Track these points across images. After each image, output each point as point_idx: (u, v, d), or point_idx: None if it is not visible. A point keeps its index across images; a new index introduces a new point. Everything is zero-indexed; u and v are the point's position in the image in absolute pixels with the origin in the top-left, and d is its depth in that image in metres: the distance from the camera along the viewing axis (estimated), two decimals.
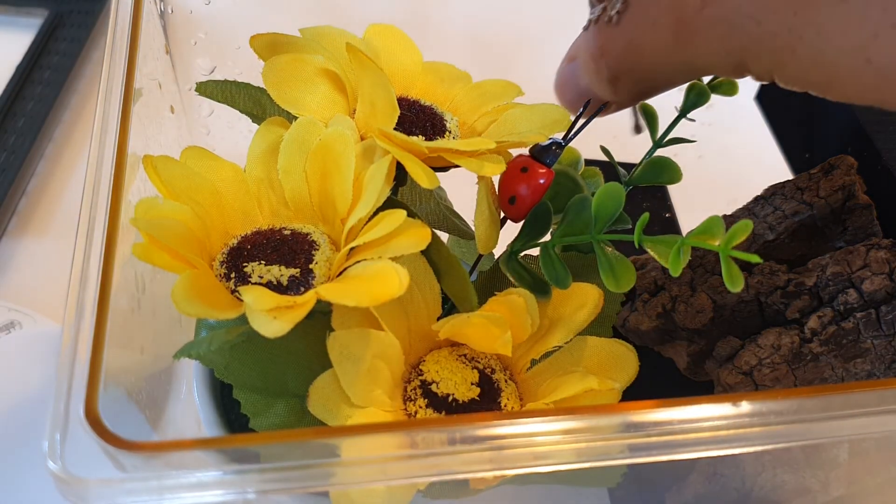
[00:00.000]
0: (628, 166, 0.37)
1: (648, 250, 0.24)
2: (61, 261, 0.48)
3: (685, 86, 0.31)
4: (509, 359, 0.28)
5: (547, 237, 0.28)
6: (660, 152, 0.31)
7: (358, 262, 0.26)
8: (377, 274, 0.24)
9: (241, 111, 0.32)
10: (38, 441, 0.38)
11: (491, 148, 0.26)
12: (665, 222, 0.43)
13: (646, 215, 0.25)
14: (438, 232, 0.31)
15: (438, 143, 0.27)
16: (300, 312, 0.23)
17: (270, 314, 0.23)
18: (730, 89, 0.31)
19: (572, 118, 0.29)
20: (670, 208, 0.43)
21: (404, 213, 0.25)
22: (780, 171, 0.47)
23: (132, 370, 0.25)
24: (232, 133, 0.39)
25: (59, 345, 0.42)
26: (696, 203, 0.43)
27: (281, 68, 0.28)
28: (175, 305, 0.23)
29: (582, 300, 0.27)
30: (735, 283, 0.23)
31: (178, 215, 0.26)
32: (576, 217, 0.27)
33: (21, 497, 0.38)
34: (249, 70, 0.33)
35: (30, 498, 0.38)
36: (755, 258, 0.22)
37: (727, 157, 0.45)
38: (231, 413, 0.31)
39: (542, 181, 0.28)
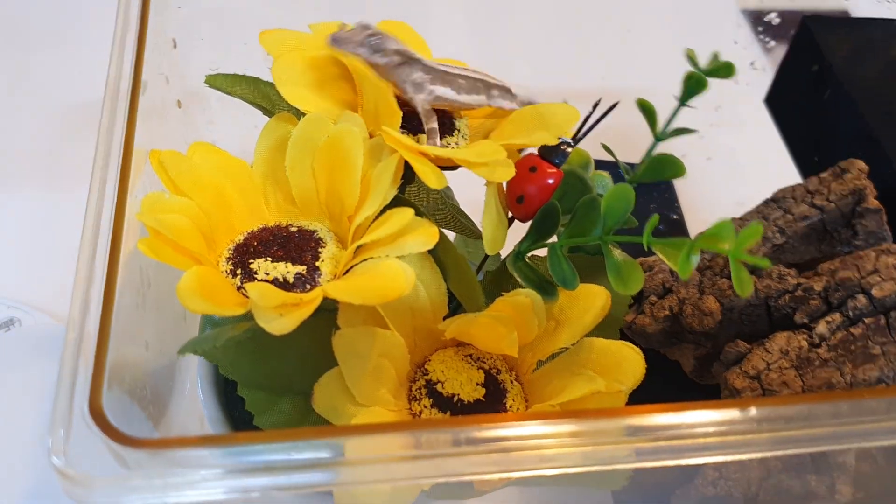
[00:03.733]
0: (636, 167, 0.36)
1: (657, 253, 0.24)
2: (60, 257, 0.48)
3: (684, 75, 0.31)
4: (515, 359, 0.28)
5: (554, 238, 0.28)
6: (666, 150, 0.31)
7: (365, 260, 0.26)
8: (384, 272, 0.24)
9: (250, 105, 0.32)
10: (38, 438, 0.38)
11: (501, 158, 0.26)
12: (673, 223, 0.43)
13: (655, 217, 0.25)
14: (444, 231, 0.31)
15: (447, 152, 0.27)
16: (306, 310, 0.23)
17: (276, 311, 0.23)
18: (727, 71, 0.30)
19: (582, 117, 0.29)
20: (678, 209, 0.43)
21: (412, 211, 0.25)
22: (788, 173, 0.47)
23: (136, 366, 0.25)
24: (238, 128, 0.39)
25: (59, 341, 0.42)
26: (703, 204, 0.43)
27: (290, 65, 0.28)
28: (181, 301, 0.22)
29: (589, 302, 0.27)
30: (744, 287, 0.22)
31: (185, 211, 0.26)
32: (584, 218, 0.27)
33: (21, 494, 0.38)
34: (257, 66, 0.33)
35: (30, 494, 0.38)
36: (765, 262, 0.22)
37: (735, 159, 0.45)
38: (235, 410, 0.31)
39: (550, 181, 0.28)
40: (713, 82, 0.32)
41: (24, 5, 0.58)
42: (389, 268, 0.24)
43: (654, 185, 0.32)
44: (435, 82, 0.28)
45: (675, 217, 0.42)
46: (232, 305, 0.23)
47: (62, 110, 0.55)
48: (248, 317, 0.24)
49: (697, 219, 0.43)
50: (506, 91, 0.31)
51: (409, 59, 0.28)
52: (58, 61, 0.56)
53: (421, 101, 0.28)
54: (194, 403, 0.30)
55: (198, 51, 0.35)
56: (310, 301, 0.23)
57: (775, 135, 0.42)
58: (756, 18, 0.43)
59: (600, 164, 0.33)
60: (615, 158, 0.30)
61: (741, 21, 0.44)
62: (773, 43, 0.39)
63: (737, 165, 0.44)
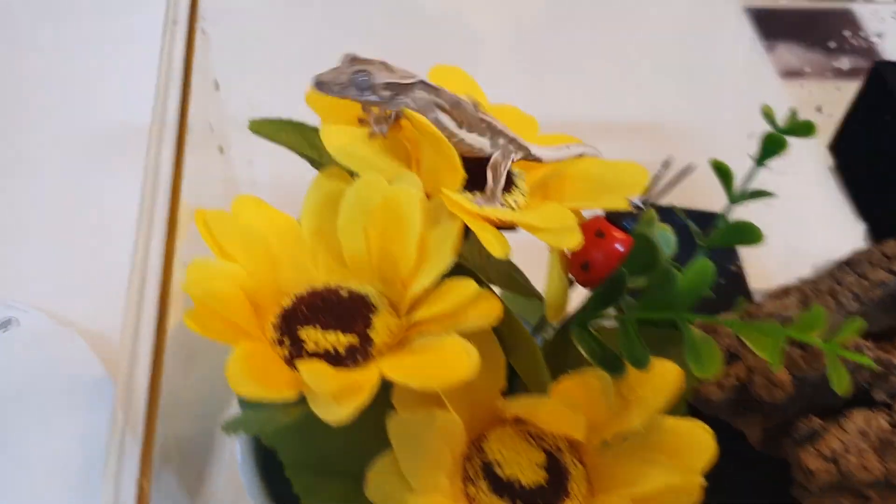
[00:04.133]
0: (696, 214, 0.35)
1: (744, 340, 0.22)
2: (59, 256, 0.47)
3: (762, 134, 0.29)
4: (578, 439, 0.26)
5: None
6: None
7: (421, 333, 0.24)
8: (445, 353, 0.23)
9: (296, 153, 0.30)
10: (37, 440, 0.37)
11: (570, 224, 0.24)
12: (732, 276, 0.41)
13: (741, 300, 0.23)
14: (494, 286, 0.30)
15: (512, 215, 0.25)
16: (364, 396, 0.21)
17: (332, 397, 0.21)
18: (806, 131, 0.29)
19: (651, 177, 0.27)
20: (737, 260, 0.41)
21: (474, 283, 0.24)
22: (850, 223, 0.45)
23: (180, 441, 0.23)
24: (278, 167, 0.37)
25: (57, 341, 0.41)
26: (763, 254, 0.41)
27: (340, 130, 0.26)
28: (231, 386, 0.21)
29: (661, 380, 0.25)
30: (842, 384, 0.21)
31: (232, 277, 0.25)
32: (658, 291, 0.25)
33: (15, 494, 0.37)
34: (299, 105, 0.31)
35: (28, 497, 0.37)
36: (868, 361, 0.20)
37: (796, 207, 0.43)
38: (276, 483, 0.29)
39: (619, 247, 0.26)
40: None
41: (45, 30, 0.57)
42: (452, 348, 0.23)
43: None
44: (438, 106, 0.26)
45: (734, 269, 0.40)
46: (284, 388, 0.22)
47: (54, 115, 0.54)
48: (300, 398, 0.22)
49: (757, 270, 0.41)
50: (514, 143, 0.28)
51: (404, 86, 0.25)
52: (79, 86, 0.55)
53: (432, 120, 0.25)
54: (233, 471, 0.29)
55: (239, 89, 0.34)
56: (367, 384, 0.22)
57: (839, 183, 0.40)
58: (823, 61, 0.41)
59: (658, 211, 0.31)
60: (688, 223, 0.29)
61: (808, 63, 0.42)
62: (840, 88, 0.37)
63: (797, 213, 0.42)
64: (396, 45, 0.38)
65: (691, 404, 0.32)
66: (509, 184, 0.28)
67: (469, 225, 0.24)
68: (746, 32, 0.46)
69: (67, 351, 0.42)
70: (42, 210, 0.49)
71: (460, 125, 0.27)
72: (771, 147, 0.28)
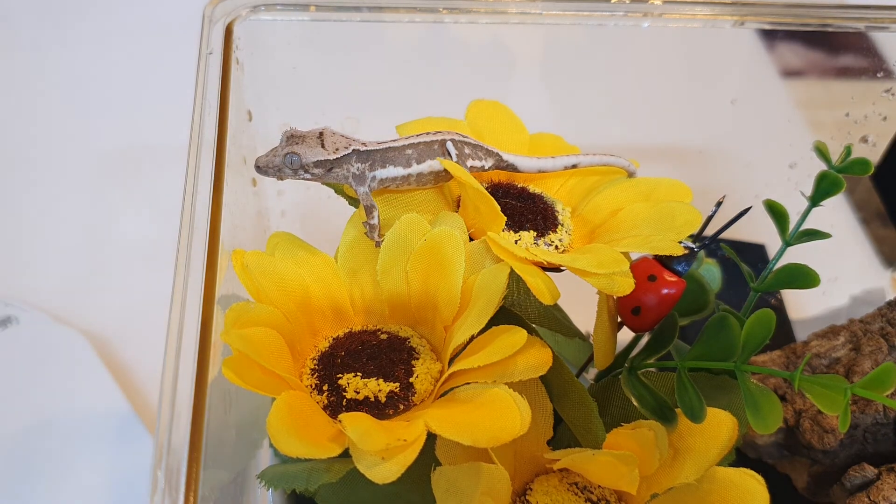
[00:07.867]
0: (739, 245, 0.34)
1: (808, 396, 0.21)
2: (58, 254, 0.47)
3: (817, 175, 0.28)
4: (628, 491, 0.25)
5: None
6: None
7: (465, 379, 0.23)
8: (494, 407, 0.22)
9: (333, 190, 0.29)
10: (36, 438, 0.37)
11: (623, 269, 0.23)
12: (773, 309, 0.39)
13: (808, 355, 0.22)
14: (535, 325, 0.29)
15: (561, 258, 0.24)
16: (411, 453, 0.21)
17: (379, 455, 0.20)
18: (862, 168, 0.28)
19: (704, 218, 0.26)
20: (777, 293, 0.40)
21: (525, 333, 0.23)
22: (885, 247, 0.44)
23: (215, 496, 0.22)
24: (307, 197, 0.37)
25: (55, 340, 0.41)
26: None
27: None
28: (274, 444, 0.20)
29: (714, 431, 0.24)
30: None
31: (270, 321, 0.24)
32: (714, 339, 0.24)
33: (9, 492, 0.37)
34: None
35: (17, 493, 0.37)
36: None
37: (835, 235, 0.42)
38: None
39: (672, 291, 0.25)
40: (807, 150, 0.29)
41: (70, 51, 0.57)
42: (501, 402, 0.22)
43: (751, 264, 0.30)
44: (374, 167, 0.26)
45: (774, 302, 0.39)
46: (327, 444, 0.21)
47: (66, 128, 0.54)
48: (344, 453, 0.21)
49: (796, 302, 0.40)
50: (482, 149, 0.27)
51: (336, 160, 0.25)
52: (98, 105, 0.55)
53: (362, 195, 0.25)
54: None
55: (272, 120, 0.33)
56: (414, 441, 0.21)
57: (882, 210, 0.39)
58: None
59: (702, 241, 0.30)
60: (741, 265, 0.28)
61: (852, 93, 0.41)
62: (887, 116, 0.36)
63: (837, 242, 0.41)
64: (432, 76, 0.37)
65: (738, 449, 0.31)
66: (554, 222, 0.27)
67: (517, 271, 0.23)
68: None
69: (67, 349, 0.42)
70: (43, 210, 0.49)
71: (409, 164, 0.26)
72: (826, 188, 0.27)
